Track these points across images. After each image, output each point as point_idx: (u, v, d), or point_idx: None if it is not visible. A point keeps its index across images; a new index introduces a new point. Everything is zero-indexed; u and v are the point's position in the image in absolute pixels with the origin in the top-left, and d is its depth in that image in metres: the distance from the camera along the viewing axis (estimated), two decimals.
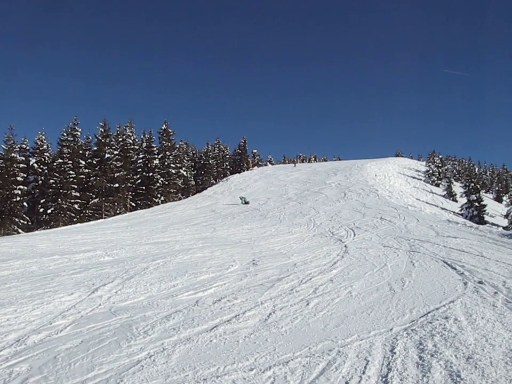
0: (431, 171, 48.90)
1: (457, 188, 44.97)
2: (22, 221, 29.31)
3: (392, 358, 4.34)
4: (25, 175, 31.19)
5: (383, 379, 3.88)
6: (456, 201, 39.41)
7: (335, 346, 4.69)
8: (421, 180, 45.27)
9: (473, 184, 34.89)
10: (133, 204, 36.75)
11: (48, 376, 3.89)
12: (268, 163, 67.43)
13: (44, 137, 34.68)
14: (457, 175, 67.20)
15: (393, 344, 4.72)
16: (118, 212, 33.91)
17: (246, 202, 26.94)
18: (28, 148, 34.61)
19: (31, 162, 32.76)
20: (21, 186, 29.68)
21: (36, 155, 33.75)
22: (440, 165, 52.58)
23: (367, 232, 14.82)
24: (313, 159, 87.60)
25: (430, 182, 46.33)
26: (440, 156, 57.80)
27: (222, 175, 57.02)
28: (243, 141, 63.77)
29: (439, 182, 47.88)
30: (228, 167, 62.58)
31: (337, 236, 14.28)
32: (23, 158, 32.48)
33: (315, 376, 3.95)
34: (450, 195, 41.23)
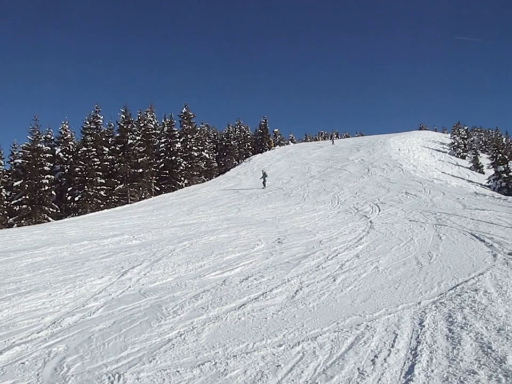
0: (456, 143, 47.79)
1: (484, 159, 43.88)
2: (51, 209, 30.00)
3: (421, 331, 4.33)
4: (51, 165, 31.76)
5: (413, 352, 3.88)
6: (483, 173, 38.52)
7: (363, 320, 4.70)
8: (446, 152, 44.25)
9: (500, 155, 33.99)
10: (157, 188, 37.11)
11: (84, 356, 4.03)
12: (290, 142, 66.86)
13: (67, 126, 35.02)
14: (484, 146, 65.44)
15: (422, 317, 4.70)
16: (143, 196, 34.31)
17: (264, 176, 25.67)
18: (52, 137, 35.10)
19: (56, 152, 33.25)
20: (48, 176, 30.30)
21: (61, 144, 34.19)
22: (465, 136, 51.20)
23: (392, 207, 14.65)
24: (335, 135, 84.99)
25: (456, 154, 45.30)
26: (466, 127, 56.27)
27: (244, 156, 56.84)
28: (264, 121, 63.34)
29: (465, 154, 46.77)
30: (250, 147, 62.33)
31: (362, 212, 14.18)
32: (49, 148, 33.02)
33: (344, 351, 3.97)
34: (477, 167, 40.31)
